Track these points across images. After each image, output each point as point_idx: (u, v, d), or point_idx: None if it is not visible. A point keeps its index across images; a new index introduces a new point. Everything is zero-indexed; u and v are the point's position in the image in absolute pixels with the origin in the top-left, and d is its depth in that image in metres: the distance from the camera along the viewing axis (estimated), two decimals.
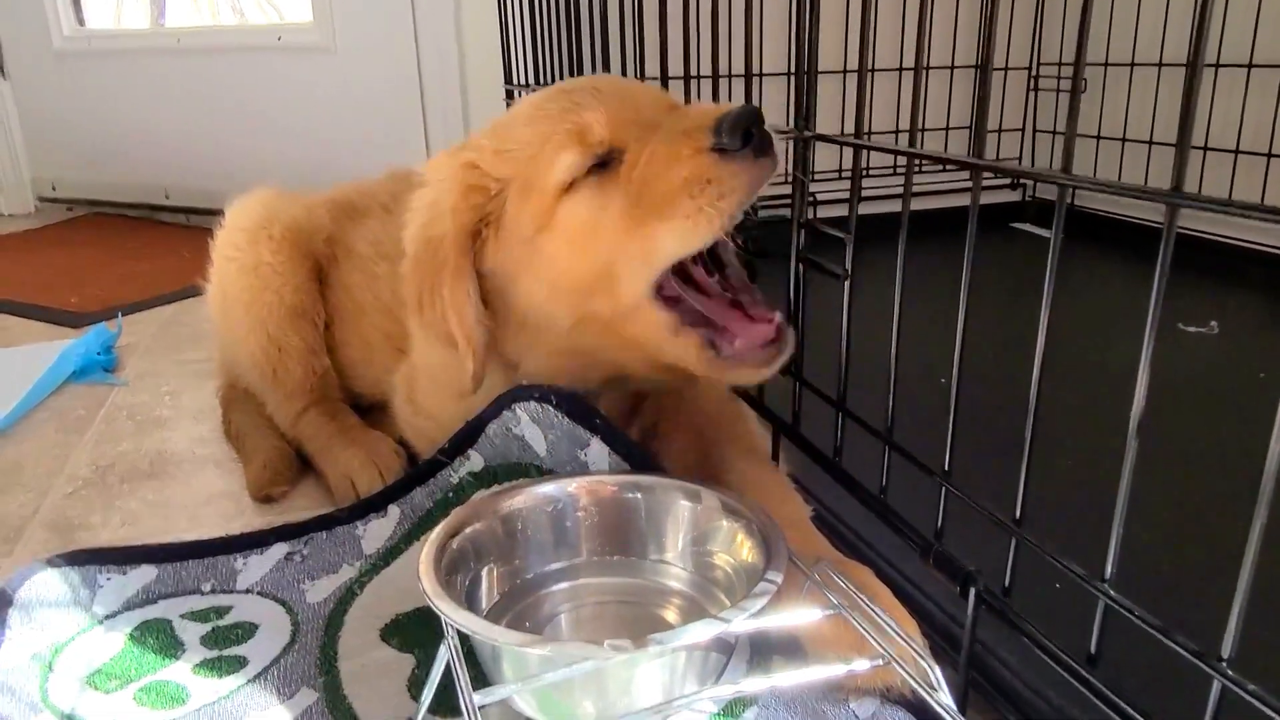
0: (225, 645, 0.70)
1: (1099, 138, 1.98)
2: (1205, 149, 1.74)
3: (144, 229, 2.54)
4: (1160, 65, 1.83)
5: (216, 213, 2.63)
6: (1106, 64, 1.94)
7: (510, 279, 0.75)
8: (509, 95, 1.76)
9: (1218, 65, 1.70)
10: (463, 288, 0.73)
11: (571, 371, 0.78)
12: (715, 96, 0.90)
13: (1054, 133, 2.09)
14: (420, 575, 0.59)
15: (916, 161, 0.64)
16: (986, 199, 1.78)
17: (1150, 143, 1.86)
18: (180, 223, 2.59)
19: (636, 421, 0.87)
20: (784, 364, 0.71)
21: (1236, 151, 1.70)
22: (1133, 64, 1.88)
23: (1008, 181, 2.18)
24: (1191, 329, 1.32)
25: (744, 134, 0.64)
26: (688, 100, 0.93)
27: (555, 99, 0.73)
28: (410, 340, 0.91)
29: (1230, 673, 0.42)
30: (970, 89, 2.09)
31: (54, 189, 2.80)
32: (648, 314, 0.70)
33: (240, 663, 0.68)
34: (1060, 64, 2.04)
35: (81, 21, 2.66)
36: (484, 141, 0.76)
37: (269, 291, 1.04)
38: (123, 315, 1.64)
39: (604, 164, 0.71)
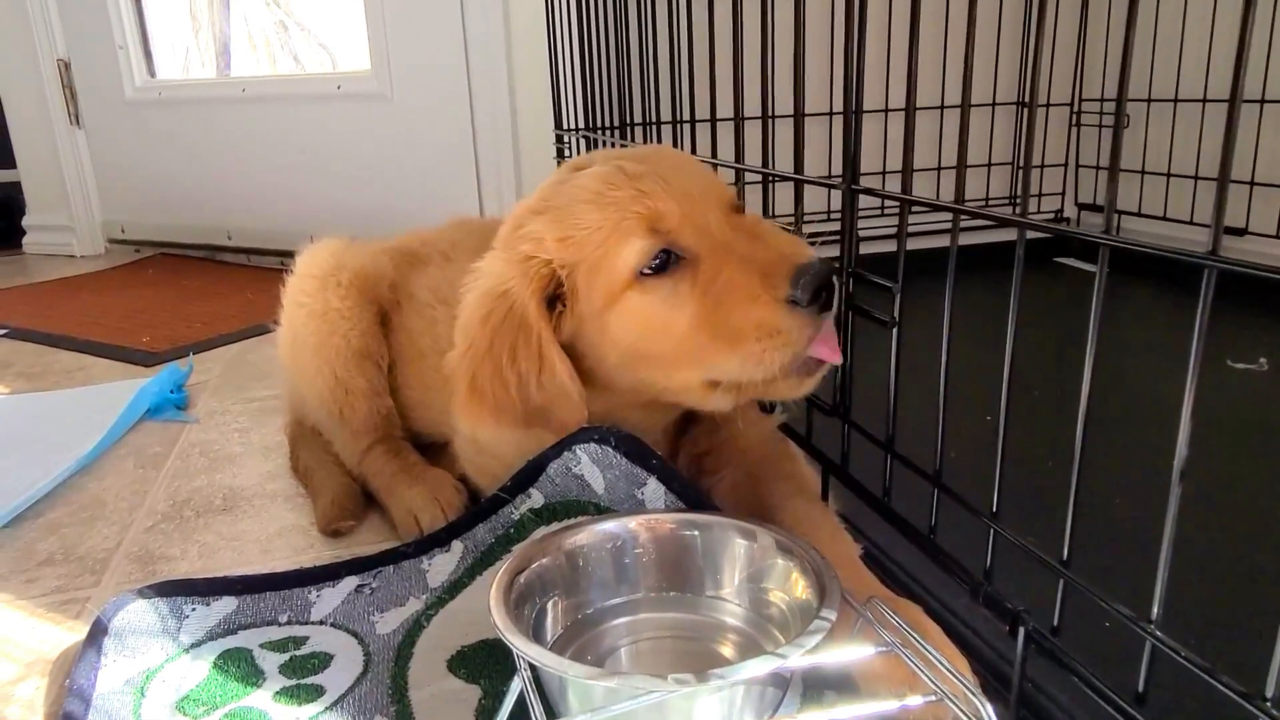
0: (303, 674, 0.74)
1: (1143, 173, 1.98)
2: (1251, 184, 1.74)
3: (207, 269, 2.65)
4: (1205, 101, 1.83)
5: (276, 253, 2.74)
6: (1150, 99, 1.95)
7: (583, 350, 0.79)
8: (559, 139, 1.82)
9: (1263, 100, 1.71)
10: (560, 351, 0.76)
11: (620, 419, 0.83)
12: (764, 136, 0.93)
13: (1097, 168, 2.10)
14: (491, 610, 0.63)
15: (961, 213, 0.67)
16: (1030, 234, 1.81)
17: (1195, 178, 1.86)
18: (241, 263, 2.70)
19: (680, 457, 0.90)
20: (823, 377, 0.75)
21: None
22: (1176, 99, 1.89)
23: (1052, 217, 2.18)
24: (1240, 366, 1.32)
25: (815, 292, 0.69)
26: (737, 142, 0.97)
27: (620, 185, 0.76)
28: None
29: (1275, 712, 0.43)
30: (1012, 125, 2.11)
31: (123, 231, 2.93)
32: (699, 394, 0.77)
33: (318, 691, 0.72)
34: (1102, 100, 2.05)
35: (152, 73, 2.80)
36: (540, 228, 0.78)
37: (336, 335, 1.09)
38: (192, 354, 1.72)
39: (673, 260, 0.74)
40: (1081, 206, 2.17)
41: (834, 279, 0.70)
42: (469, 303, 0.80)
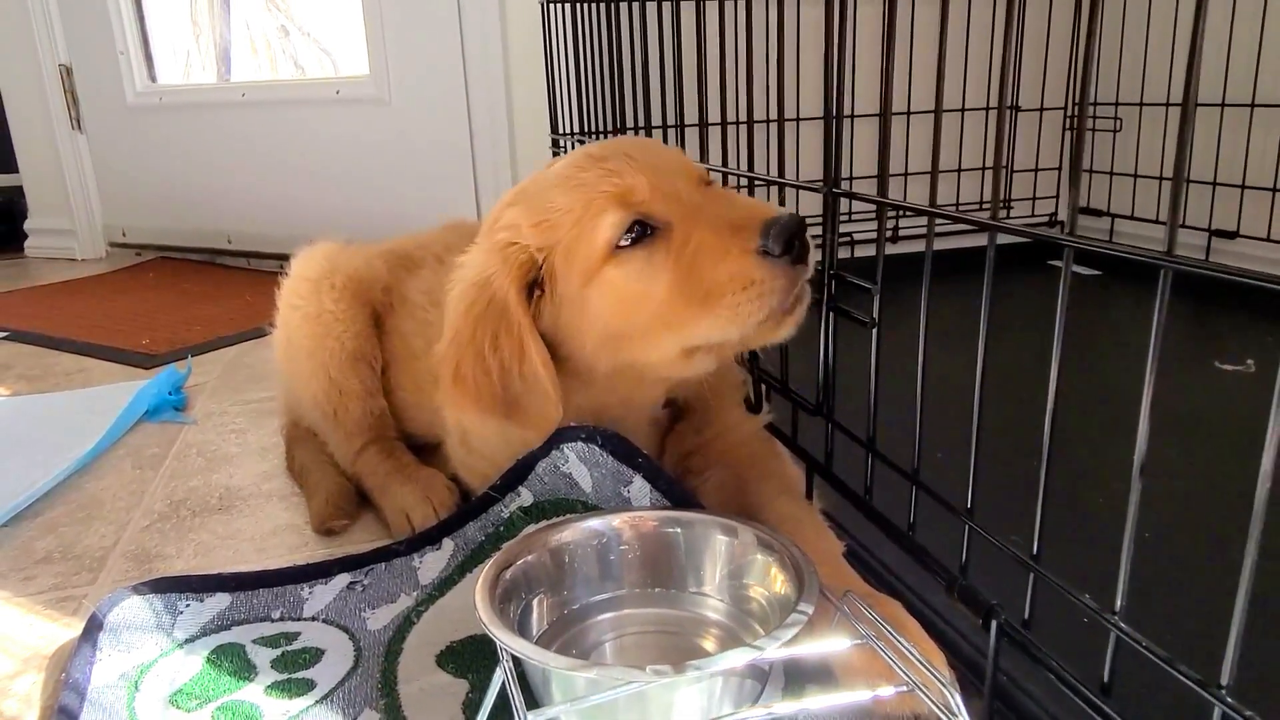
0: (294, 669, 0.76)
1: (1136, 176, 2.00)
2: (1243, 187, 1.75)
3: (207, 273, 2.66)
4: (1196, 105, 1.84)
5: (275, 257, 2.75)
6: (1142, 104, 1.97)
7: (563, 335, 0.80)
8: (554, 144, 1.84)
9: (1253, 105, 1.72)
10: (537, 341, 0.77)
11: (604, 408, 0.84)
12: (750, 140, 0.95)
13: (1091, 172, 2.11)
14: (476, 604, 0.64)
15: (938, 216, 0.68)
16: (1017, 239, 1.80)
17: (1187, 181, 1.87)
18: (241, 266, 2.71)
19: (667, 456, 0.91)
20: (800, 320, 0.75)
21: (1275, 190, 1.71)
22: (1168, 104, 1.90)
23: (1045, 220, 2.20)
24: (1228, 367, 1.33)
25: (786, 242, 0.70)
26: (724, 146, 0.98)
27: (588, 166, 0.77)
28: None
29: (1229, 700, 0.45)
30: (1006, 130, 2.13)
31: (124, 235, 2.95)
32: (681, 364, 0.78)
33: (309, 685, 0.73)
34: (1096, 104, 2.07)
35: (153, 78, 2.82)
36: (515, 217, 0.80)
37: (330, 338, 1.10)
38: (191, 356, 1.74)
39: (647, 231, 0.75)
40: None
41: (805, 232, 0.71)
42: (453, 295, 0.82)
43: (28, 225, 3.07)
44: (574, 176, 0.78)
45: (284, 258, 1.22)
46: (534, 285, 0.79)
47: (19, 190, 3.06)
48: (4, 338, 1.98)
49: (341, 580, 0.88)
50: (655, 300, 0.75)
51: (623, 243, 0.75)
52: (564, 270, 0.77)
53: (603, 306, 0.77)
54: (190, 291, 2.41)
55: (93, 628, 0.78)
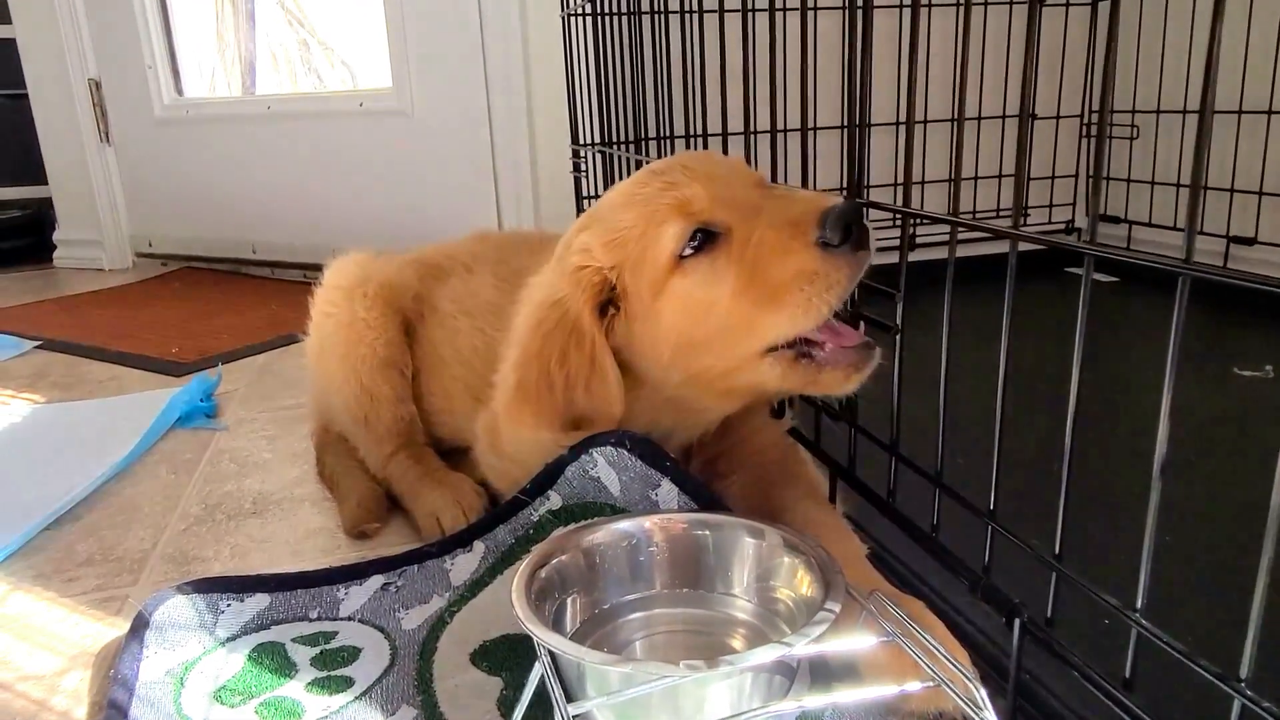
0: (333, 666, 0.78)
1: (1153, 183, 2.00)
2: (1260, 194, 1.76)
3: (232, 282, 2.71)
4: (1213, 112, 1.85)
5: (300, 266, 2.78)
6: (1159, 111, 1.98)
7: (636, 350, 0.81)
8: (575, 154, 1.86)
9: (1270, 111, 1.73)
10: (610, 356, 0.79)
11: (656, 421, 0.86)
12: (773, 151, 0.97)
13: (1109, 179, 2.12)
14: (514, 602, 0.66)
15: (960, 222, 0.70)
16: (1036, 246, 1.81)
17: (1205, 188, 1.88)
18: (265, 275, 2.75)
19: (693, 461, 0.93)
20: (870, 375, 0.76)
21: None
22: (1185, 110, 1.91)
23: (1062, 227, 2.21)
24: (1247, 373, 1.34)
25: (845, 230, 0.70)
26: (748, 155, 1.00)
27: (648, 182, 0.79)
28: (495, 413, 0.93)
29: (1249, 692, 0.46)
30: (1028, 139, 2.14)
31: (150, 245, 3.00)
32: (754, 366, 0.78)
33: (347, 682, 0.76)
34: (1114, 111, 2.07)
35: (180, 91, 2.87)
36: (587, 240, 0.81)
37: (363, 344, 1.13)
38: (221, 364, 1.77)
39: (709, 238, 0.76)
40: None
41: (863, 217, 0.72)
42: (521, 317, 0.83)
43: (56, 236, 3.13)
44: (636, 193, 0.79)
45: (308, 267, 1.25)
46: (607, 305, 0.81)
47: (48, 202, 3.12)
48: (36, 347, 2.03)
49: (376, 581, 0.90)
50: (723, 305, 0.75)
51: (686, 252, 0.76)
52: (634, 285, 0.79)
53: (674, 317, 0.78)
54: (217, 301, 2.45)
55: (139, 626, 0.81)
